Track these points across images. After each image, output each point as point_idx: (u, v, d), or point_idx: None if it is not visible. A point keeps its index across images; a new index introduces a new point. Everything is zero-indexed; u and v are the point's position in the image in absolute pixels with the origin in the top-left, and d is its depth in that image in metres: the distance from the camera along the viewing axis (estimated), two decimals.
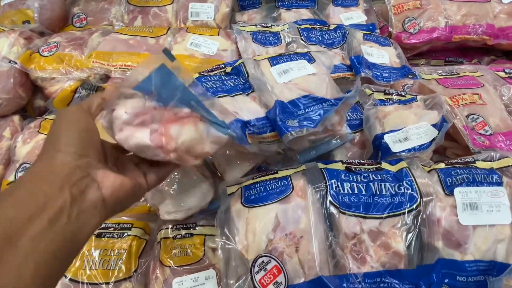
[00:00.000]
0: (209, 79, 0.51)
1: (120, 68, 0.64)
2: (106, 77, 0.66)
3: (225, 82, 0.51)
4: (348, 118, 0.60)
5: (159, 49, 0.68)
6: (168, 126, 0.30)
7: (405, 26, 0.79)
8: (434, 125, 0.48)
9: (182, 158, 0.32)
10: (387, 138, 0.49)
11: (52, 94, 0.66)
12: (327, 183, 0.42)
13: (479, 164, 0.43)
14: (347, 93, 0.65)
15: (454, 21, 0.78)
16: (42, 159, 0.28)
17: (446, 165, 0.44)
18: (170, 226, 0.53)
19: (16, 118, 0.65)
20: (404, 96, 0.60)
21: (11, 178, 0.57)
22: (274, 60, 0.54)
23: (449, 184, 0.41)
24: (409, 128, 0.49)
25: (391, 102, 0.59)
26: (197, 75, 0.51)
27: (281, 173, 0.46)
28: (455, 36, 0.78)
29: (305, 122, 0.44)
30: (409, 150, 0.47)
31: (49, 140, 0.29)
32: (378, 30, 0.84)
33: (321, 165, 0.45)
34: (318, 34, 0.75)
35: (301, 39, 0.73)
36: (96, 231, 0.52)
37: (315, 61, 0.54)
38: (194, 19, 0.82)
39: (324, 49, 0.72)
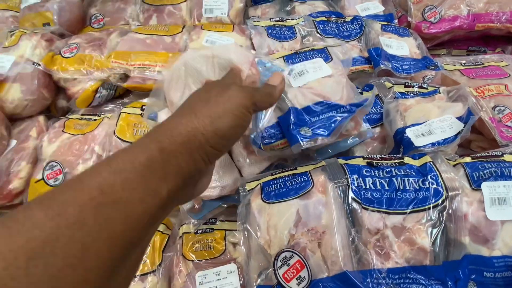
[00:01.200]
0: None
1: (138, 67, 0.65)
2: (125, 77, 0.67)
3: None
4: (368, 112, 0.59)
5: (175, 47, 0.69)
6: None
7: (425, 15, 0.77)
8: (459, 118, 0.47)
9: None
10: (409, 132, 0.48)
11: (74, 95, 0.68)
12: (349, 179, 0.41)
13: (507, 157, 0.42)
14: (364, 88, 0.64)
15: (476, 9, 0.75)
16: (177, 151, 0.25)
17: (472, 159, 0.42)
18: (192, 221, 0.54)
19: (41, 118, 0.67)
20: (426, 89, 0.59)
21: (39, 176, 0.59)
22: (289, 60, 0.52)
23: (476, 179, 0.40)
24: (432, 122, 0.48)
25: (412, 94, 0.58)
26: None
27: (301, 169, 0.46)
28: (478, 24, 0.74)
29: (318, 131, 0.43)
30: (433, 144, 0.46)
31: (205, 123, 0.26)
32: (396, 20, 0.82)
33: (341, 161, 0.45)
34: (334, 26, 0.74)
35: (317, 32, 0.72)
36: None
37: (332, 59, 0.52)
38: (208, 16, 0.82)
39: (341, 42, 0.71)
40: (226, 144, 0.27)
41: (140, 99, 0.71)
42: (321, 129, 0.43)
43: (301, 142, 0.41)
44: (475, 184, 0.40)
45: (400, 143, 0.50)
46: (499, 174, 0.39)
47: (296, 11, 0.88)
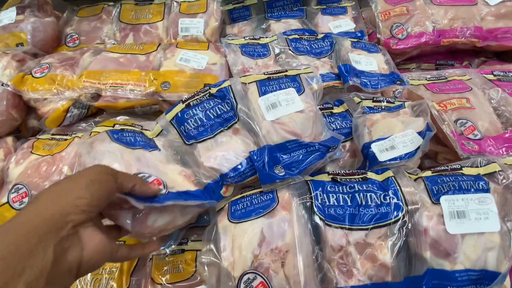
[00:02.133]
0: (193, 113, 0.49)
1: (110, 86, 0.65)
2: (97, 96, 0.67)
3: (208, 112, 0.49)
4: (339, 127, 0.60)
5: (149, 66, 0.69)
6: (146, 215, 0.35)
7: (393, 32, 0.80)
8: (419, 133, 0.48)
9: (157, 236, 0.37)
10: (374, 147, 0.49)
11: (45, 114, 0.67)
12: (312, 195, 0.41)
13: (466, 170, 0.43)
14: (335, 103, 0.66)
15: (441, 25, 0.78)
16: (39, 203, 0.28)
17: (432, 173, 0.43)
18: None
19: (9, 139, 0.66)
20: (393, 103, 0.60)
21: (4, 199, 0.57)
22: (262, 87, 0.51)
23: (435, 192, 0.41)
24: (395, 137, 0.49)
25: (379, 109, 0.59)
26: (183, 105, 0.50)
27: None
28: (443, 40, 0.78)
29: (290, 171, 0.45)
30: (395, 158, 0.46)
31: (61, 187, 0.29)
32: (366, 37, 0.85)
33: (307, 177, 0.45)
34: (306, 44, 0.76)
35: (290, 50, 0.74)
36: None
37: (304, 91, 0.52)
38: (184, 34, 0.83)
39: (312, 59, 0.72)
40: (98, 201, 0.30)
41: (113, 117, 0.70)
42: (292, 169, 0.45)
43: (275, 183, 0.43)
44: (435, 198, 0.40)
45: (366, 158, 0.50)
46: (457, 188, 0.40)
47: (272, 29, 0.90)
